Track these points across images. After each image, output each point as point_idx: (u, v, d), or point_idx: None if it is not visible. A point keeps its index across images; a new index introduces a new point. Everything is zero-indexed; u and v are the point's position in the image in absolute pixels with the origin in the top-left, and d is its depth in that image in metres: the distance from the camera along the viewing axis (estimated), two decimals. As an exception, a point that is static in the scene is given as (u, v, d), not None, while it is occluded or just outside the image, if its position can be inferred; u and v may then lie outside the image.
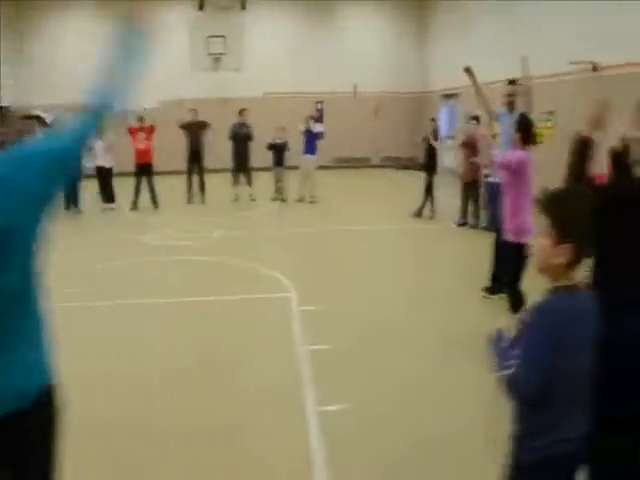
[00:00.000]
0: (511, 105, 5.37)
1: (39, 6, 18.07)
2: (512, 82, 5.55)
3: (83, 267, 7.69)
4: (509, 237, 4.62)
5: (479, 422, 3.70)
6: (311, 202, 12.36)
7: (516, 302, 4.60)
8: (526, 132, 4.51)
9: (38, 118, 18.07)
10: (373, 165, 19.05)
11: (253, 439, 3.59)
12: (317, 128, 18.82)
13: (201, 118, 12.82)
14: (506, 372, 1.82)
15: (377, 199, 13.20)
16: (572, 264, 1.83)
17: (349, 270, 7.61)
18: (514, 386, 1.82)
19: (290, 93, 18.05)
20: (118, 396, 4.14)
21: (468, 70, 5.50)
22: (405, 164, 17.76)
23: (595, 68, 9.65)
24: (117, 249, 8.88)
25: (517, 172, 4.42)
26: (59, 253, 8.47)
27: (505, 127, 5.22)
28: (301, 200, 12.49)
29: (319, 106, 18.71)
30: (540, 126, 11.20)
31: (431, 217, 10.53)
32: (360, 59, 18.47)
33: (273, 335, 5.33)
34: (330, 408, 3.90)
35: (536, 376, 1.76)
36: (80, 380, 4.24)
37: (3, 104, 17.53)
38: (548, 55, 10.54)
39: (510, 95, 5.45)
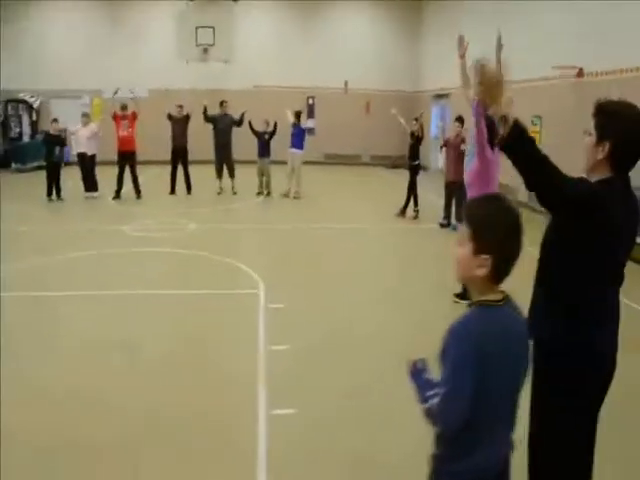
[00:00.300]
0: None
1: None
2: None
3: (53, 256, 7.58)
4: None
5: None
6: (295, 197, 12.24)
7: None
8: (490, 133, 4.41)
9: (25, 102, 17.97)
10: (363, 163, 18.94)
11: (197, 438, 3.49)
12: (307, 123, 18.78)
13: (189, 109, 12.70)
14: (428, 404, 1.71)
15: (364, 197, 13.10)
16: (495, 277, 1.72)
17: (324, 269, 7.50)
18: (437, 418, 1.72)
19: (281, 87, 17.91)
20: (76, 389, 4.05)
21: (461, 39, 5.30)
22: (395, 163, 17.65)
23: (581, 73, 9.56)
24: (92, 239, 8.75)
25: (480, 173, 4.31)
26: (32, 240, 8.52)
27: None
28: (286, 195, 12.36)
29: (310, 101, 18.59)
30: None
31: (415, 217, 10.42)
32: (352, 55, 18.34)
33: (235, 333, 5.24)
34: (278, 412, 3.80)
35: (459, 407, 1.66)
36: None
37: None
38: (537, 57, 10.46)
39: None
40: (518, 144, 2.16)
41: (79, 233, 9.20)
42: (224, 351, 4.87)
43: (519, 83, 11.70)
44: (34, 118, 17.77)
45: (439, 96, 16.85)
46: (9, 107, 17.72)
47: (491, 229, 1.69)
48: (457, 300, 5.81)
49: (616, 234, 2.22)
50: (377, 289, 6.63)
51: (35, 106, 17.66)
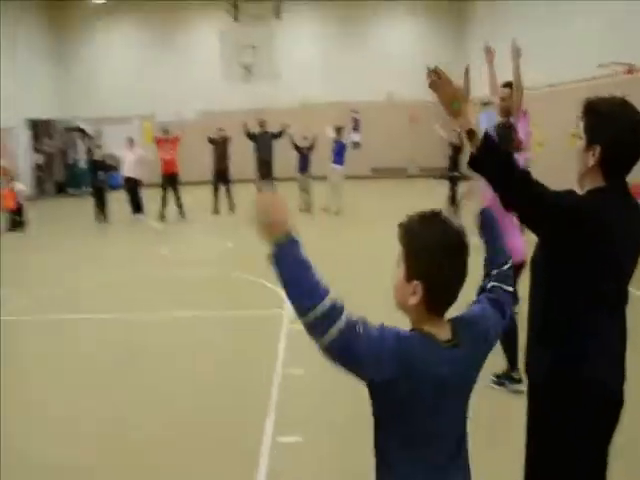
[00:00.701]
0: (506, 111, 4.95)
1: (80, 21, 18.68)
2: (507, 85, 5.10)
3: (80, 280, 7.73)
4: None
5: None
6: (336, 213, 12.09)
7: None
8: (505, 144, 4.10)
9: (81, 130, 18.77)
10: (411, 175, 18.60)
11: (199, 457, 3.36)
12: (353, 137, 18.67)
13: (234, 129, 12.82)
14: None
15: (406, 210, 12.72)
16: (430, 307, 1.45)
17: (355, 288, 7.25)
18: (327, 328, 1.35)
19: (325, 103, 17.89)
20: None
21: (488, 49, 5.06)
22: (443, 174, 17.21)
23: (631, 70, 9.00)
24: (129, 261, 8.90)
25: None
26: (66, 263, 8.73)
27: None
28: (327, 210, 12.24)
29: (355, 115, 18.47)
30: (571, 132, 10.58)
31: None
32: (395, 67, 18.14)
33: (254, 353, 5.17)
34: (283, 440, 3.63)
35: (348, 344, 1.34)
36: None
37: (48, 118, 18.20)
38: (581, 57, 9.96)
39: (504, 99, 5.03)
40: (491, 159, 1.89)
41: (116, 255, 9.38)
42: (239, 372, 4.77)
43: (565, 85, 11.20)
44: (96, 143, 18.50)
45: (486, 104, 16.32)
46: (67, 135, 18.55)
47: (423, 251, 1.44)
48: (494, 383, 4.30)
49: (615, 249, 1.91)
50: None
51: (90, 133, 18.38)
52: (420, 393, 1.40)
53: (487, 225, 1.83)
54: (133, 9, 18.24)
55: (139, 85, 18.31)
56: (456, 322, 1.50)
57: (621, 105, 1.91)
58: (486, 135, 1.87)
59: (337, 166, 12.19)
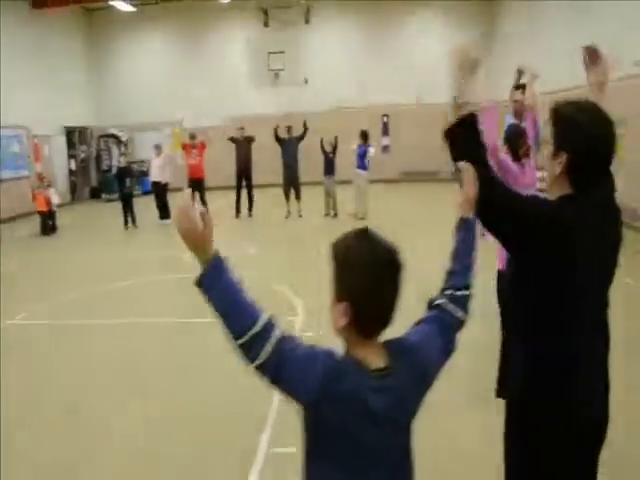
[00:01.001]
0: (519, 113, 4.76)
1: (113, 30, 19.07)
2: (520, 86, 4.92)
3: (104, 284, 7.82)
4: (500, 266, 3.92)
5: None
6: (361, 218, 11.96)
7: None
8: (514, 145, 3.93)
9: (114, 137, 19.16)
10: (441, 179, 18.31)
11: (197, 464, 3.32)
12: (383, 141, 18.52)
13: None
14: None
15: (436, 217, 12.51)
16: (361, 330, 1.34)
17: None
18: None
19: (354, 107, 17.81)
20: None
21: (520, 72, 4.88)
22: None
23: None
24: (152, 266, 8.99)
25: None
26: (92, 268, 8.87)
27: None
28: (355, 215, 12.13)
29: (384, 119, 18.32)
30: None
31: (482, 234, 9.76)
32: (425, 68, 17.91)
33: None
34: (279, 450, 3.55)
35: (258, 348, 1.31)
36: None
37: (83, 125, 18.65)
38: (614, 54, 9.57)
39: (516, 101, 4.84)
40: (466, 138, 1.75)
41: (141, 260, 9.48)
42: (243, 380, 4.69)
43: (582, 88, 10.82)
44: (122, 151, 18.88)
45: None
46: (101, 142, 18.95)
47: (350, 270, 1.34)
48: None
49: (587, 260, 1.74)
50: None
51: (123, 140, 18.73)
52: (345, 421, 1.31)
53: (464, 237, 1.67)
54: (164, 16, 18.52)
55: (170, 91, 18.58)
56: (393, 347, 1.39)
57: (588, 111, 1.76)
58: (472, 114, 1.74)
59: (362, 171, 12.06)
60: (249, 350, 1.32)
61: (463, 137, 1.77)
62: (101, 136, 18.95)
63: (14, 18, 15.26)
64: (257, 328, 1.31)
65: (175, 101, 18.42)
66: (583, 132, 1.72)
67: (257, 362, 1.31)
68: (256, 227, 11.99)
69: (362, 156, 12.10)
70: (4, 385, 4.68)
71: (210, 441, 3.77)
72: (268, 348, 1.31)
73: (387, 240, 1.39)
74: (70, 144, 18.19)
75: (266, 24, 17.55)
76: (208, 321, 5.82)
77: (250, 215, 12.67)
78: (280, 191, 12.93)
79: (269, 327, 1.32)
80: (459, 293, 1.58)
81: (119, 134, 18.57)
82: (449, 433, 3.68)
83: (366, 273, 1.32)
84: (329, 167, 12.34)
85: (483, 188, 1.71)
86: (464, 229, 1.67)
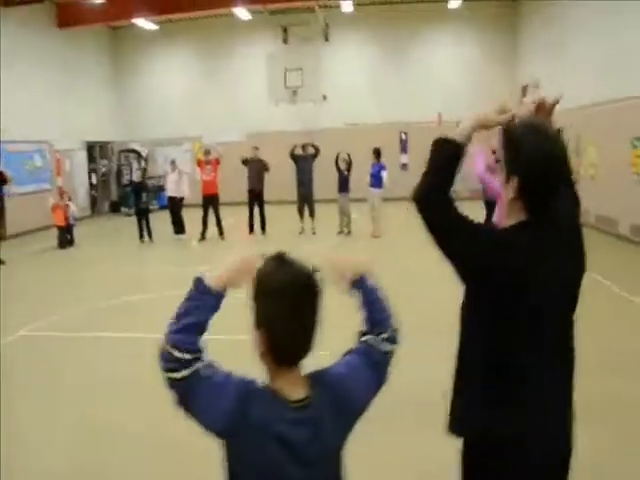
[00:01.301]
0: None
1: (135, 48, 19.41)
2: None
3: (112, 299, 7.85)
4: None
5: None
6: (375, 237, 11.87)
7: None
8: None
9: (135, 152, 19.42)
10: (461, 198, 18.09)
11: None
12: (401, 159, 18.43)
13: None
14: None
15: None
16: (275, 358, 1.29)
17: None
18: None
19: (373, 124, 17.78)
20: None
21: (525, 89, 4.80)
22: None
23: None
24: (163, 281, 9.00)
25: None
26: (104, 281, 8.93)
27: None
28: (371, 235, 12.04)
29: (402, 136, 18.26)
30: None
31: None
32: (444, 86, 17.85)
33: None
34: None
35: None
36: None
37: (104, 140, 18.95)
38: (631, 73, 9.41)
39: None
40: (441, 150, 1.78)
41: (153, 274, 9.52)
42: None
43: (614, 103, 10.61)
44: (139, 166, 19.12)
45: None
46: (122, 157, 19.23)
47: (263, 296, 1.30)
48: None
49: (539, 292, 1.64)
50: (438, 350, 6.05)
51: (144, 154, 18.98)
52: (261, 454, 1.24)
53: (363, 300, 1.54)
54: (185, 34, 18.78)
55: (190, 107, 18.79)
56: (316, 378, 1.33)
57: (537, 132, 1.67)
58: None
59: (375, 189, 11.99)
60: (178, 361, 1.28)
61: (445, 155, 1.79)
62: (122, 151, 19.23)
63: (40, 37, 15.64)
64: (188, 357, 1.28)
65: (195, 117, 18.63)
66: (529, 155, 1.64)
67: (181, 373, 1.27)
68: (270, 244, 11.96)
69: (375, 174, 12.04)
70: (15, 396, 4.71)
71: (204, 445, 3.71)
72: (185, 373, 1.27)
73: (303, 264, 1.33)
74: (91, 158, 18.49)
75: (285, 41, 17.68)
76: (218, 338, 5.83)
77: (263, 233, 12.66)
78: (294, 208, 12.92)
79: (201, 349, 1.32)
80: (384, 335, 1.50)
81: (140, 149, 18.83)
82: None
83: (280, 299, 1.28)
84: (343, 185, 12.29)
85: (438, 207, 1.73)
86: (363, 292, 1.53)
